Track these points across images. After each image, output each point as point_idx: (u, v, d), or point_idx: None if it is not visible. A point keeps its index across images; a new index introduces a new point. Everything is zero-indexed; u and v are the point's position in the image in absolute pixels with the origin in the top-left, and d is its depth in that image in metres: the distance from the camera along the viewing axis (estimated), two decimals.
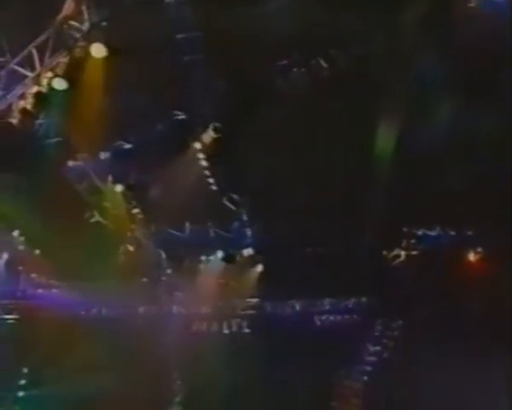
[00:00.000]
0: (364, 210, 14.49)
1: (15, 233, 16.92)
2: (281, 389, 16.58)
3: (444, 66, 11.53)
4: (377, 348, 17.41)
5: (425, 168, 13.33)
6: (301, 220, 15.05)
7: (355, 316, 17.52)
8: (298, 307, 18.18)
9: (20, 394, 18.36)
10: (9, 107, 9.63)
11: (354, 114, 12.12)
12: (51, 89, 9.92)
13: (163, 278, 18.15)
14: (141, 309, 18.50)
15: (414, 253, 16.21)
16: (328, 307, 18.12)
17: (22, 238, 17.03)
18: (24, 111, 9.44)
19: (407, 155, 13.05)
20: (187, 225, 16.48)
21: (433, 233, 15.77)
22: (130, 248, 16.23)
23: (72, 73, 9.99)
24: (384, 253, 16.44)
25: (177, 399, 18.30)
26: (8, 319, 18.52)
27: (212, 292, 18.12)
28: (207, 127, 12.36)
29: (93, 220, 14.92)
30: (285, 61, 11.94)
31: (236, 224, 16.26)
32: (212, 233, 16.57)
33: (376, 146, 13.21)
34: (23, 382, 18.45)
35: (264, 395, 16.43)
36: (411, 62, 11.59)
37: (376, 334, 17.49)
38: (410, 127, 12.60)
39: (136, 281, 17.67)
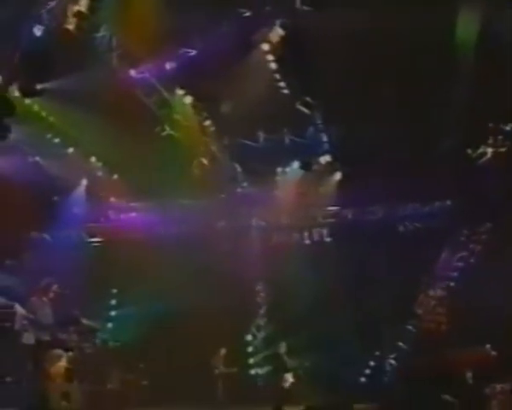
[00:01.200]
0: (447, 107, 13.54)
1: (92, 159, 17.19)
2: (363, 298, 16.25)
3: None
4: (464, 253, 16.67)
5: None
6: (380, 123, 14.18)
7: (439, 221, 16.65)
8: (380, 214, 17.58)
9: (112, 313, 19.08)
10: (64, 12, 9.23)
11: (435, 5, 10.96)
12: None
13: (240, 192, 17.98)
14: (220, 224, 18.50)
15: (501, 150, 15.12)
16: (411, 213, 17.48)
17: (100, 164, 17.34)
18: (79, 14, 9.02)
19: (492, 45, 11.88)
20: (260, 134, 16.00)
21: None
22: (205, 161, 15.93)
23: None
24: (469, 151, 15.40)
25: (262, 311, 18.41)
26: (92, 243, 19.05)
27: (290, 203, 17.85)
28: (274, 24, 11.55)
29: (164, 134, 14.64)
30: None
31: (311, 129, 15.61)
32: (287, 141, 16.00)
33: (459, 38, 12.12)
34: (113, 302, 19.20)
35: (347, 305, 16.17)
36: None
37: (462, 239, 16.70)
38: (494, 15, 11.35)
39: (212, 196, 17.53)
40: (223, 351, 15.58)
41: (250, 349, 18.12)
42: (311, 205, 18.00)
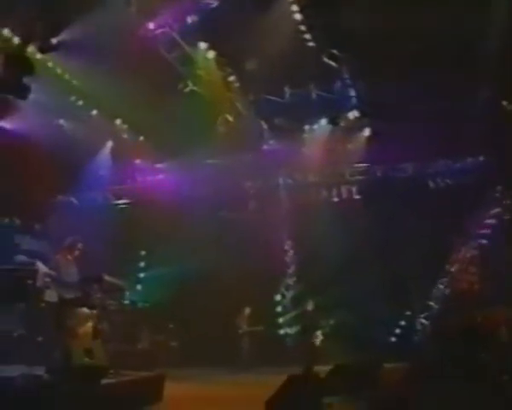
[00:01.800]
0: (481, 59, 12.91)
1: (117, 121, 17.03)
2: (393, 257, 15.86)
3: None
4: (497, 210, 16.14)
5: None
6: (410, 77, 13.61)
7: (472, 177, 16.15)
8: (410, 171, 17.13)
9: (141, 274, 19.19)
10: None
11: None
12: None
13: (266, 149, 17.64)
14: (246, 183, 18.24)
15: None
16: (442, 169, 17.00)
17: (125, 126, 17.19)
18: None
19: None
20: (286, 89, 15.59)
21: None
22: (230, 118, 15.60)
23: None
24: (504, 104, 14.73)
25: (290, 270, 18.19)
26: (119, 205, 18.99)
27: (318, 160, 17.46)
28: None
29: (187, 90, 14.30)
30: None
31: (339, 84, 15.13)
32: (313, 96, 15.57)
33: None
34: (142, 264, 19.27)
35: (376, 263, 15.81)
36: None
37: (496, 195, 16.18)
38: None
39: (238, 154, 17.24)
40: (247, 310, 15.48)
41: (279, 309, 18.00)
42: (340, 162, 17.62)
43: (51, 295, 8.50)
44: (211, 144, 16.09)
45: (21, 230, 15.55)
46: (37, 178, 15.23)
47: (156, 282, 17.90)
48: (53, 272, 8.47)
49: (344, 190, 17.73)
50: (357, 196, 17.59)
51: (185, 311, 16.63)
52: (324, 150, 17.22)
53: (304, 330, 14.66)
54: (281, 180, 18.23)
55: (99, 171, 17.61)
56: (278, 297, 18.08)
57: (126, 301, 15.59)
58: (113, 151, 17.65)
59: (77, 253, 8.70)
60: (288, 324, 17.70)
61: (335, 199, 17.74)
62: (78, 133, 16.29)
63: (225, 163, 17.58)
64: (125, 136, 17.52)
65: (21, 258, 9.24)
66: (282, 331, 17.74)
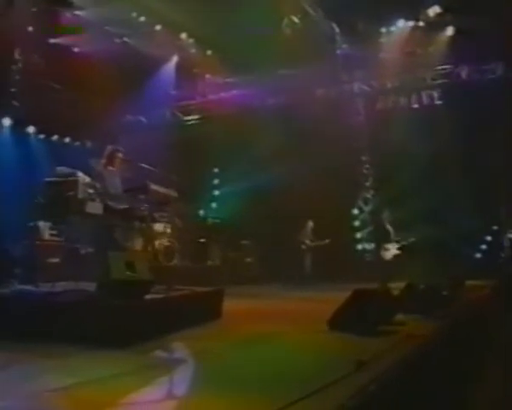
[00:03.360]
0: None
1: (183, 35, 16.36)
2: (478, 167, 14.58)
3: None
4: None
5: None
6: None
7: None
8: (498, 72, 15.48)
9: (216, 192, 18.99)
10: None
11: None
12: None
13: (339, 54, 16.51)
14: (319, 92, 17.27)
15: None
16: None
17: (191, 40, 16.66)
18: None
19: None
20: None
21: None
22: (295, 19, 14.52)
23: None
24: None
25: (368, 183, 17.48)
26: (188, 121, 18.53)
27: (396, 64, 16.24)
28: None
29: None
30: None
31: None
32: None
33: None
34: (216, 181, 19.07)
35: (459, 174, 14.66)
36: None
37: None
38: None
39: (309, 61, 16.17)
40: (310, 224, 15.05)
41: (356, 224, 17.38)
42: (420, 65, 16.26)
43: (95, 207, 8.12)
44: (280, 52, 15.14)
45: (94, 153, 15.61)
46: (104, 99, 15.00)
47: (230, 198, 17.76)
48: (97, 183, 8.08)
49: (425, 95, 16.36)
50: (439, 102, 16.17)
51: (259, 226, 16.31)
52: (403, 53, 16.03)
53: (380, 244, 13.89)
54: (356, 87, 17.15)
55: (167, 88, 17.20)
56: (356, 211, 17.44)
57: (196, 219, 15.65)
58: (180, 67, 17.12)
59: (118, 162, 8.20)
60: (366, 239, 17.14)
61: (415, 106, 16.42)
62: (143, 50, 15.89)
63: (296, 72, 16.55)
64: (193, 50, 16.96)
65: (62, 169, 8.76)
66: (359, 247, 17.21)
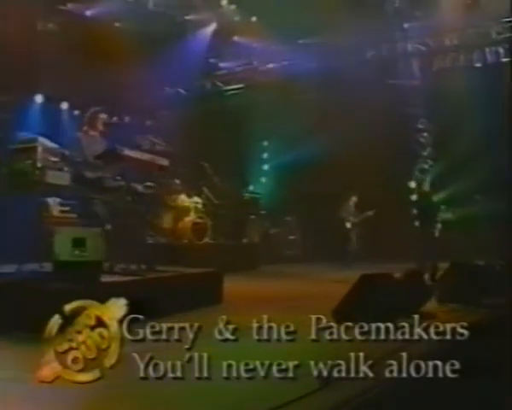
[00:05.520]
0: None
1: (224, 2, 15.82)
2: None
3: None
4: None
5: None
6: None
7: None
8: None
9: (265, 167, 18.15)
10: None
11: None
12: None
13: (390, 12, 15.02)
14: (369, 54, 15.81)
15: None
16: None
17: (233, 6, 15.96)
18: None
19: None
20: None
21: None
22: None
23: None
24: None
25: (426, 152, 16.01)
26: (228, 90, 17.57)
27: (456, 18, 14.50)
28: None
29: None
30: None
31: None
32: None
33: None
34: (265, 155, 18.18)
35: None
36: None
37: None
38: None
39: (356, 22, 14.69)
40: (353, 199, 13.80)
41: (414, 198, 15.89)
42: (483, 18, 14.40)
43: (59, 177, 7.22)
44: (327, 12, 13.76)
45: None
46: (137, 70, 14.23)
47: (279, 172, 16.82)
48: (70, 150, 7.15)
49: (489, 52, 14.59)
50: (506, 59, 14.29)
51: (303, 202, 15.23)
52: (463, 6, 14.29)
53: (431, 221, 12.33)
54: (410, 47, 15.48)
55: (205, 57, 16.35)
56: (412, 185, 15.93)
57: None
58: (219, 34, 16.18)
59: (101, 127, 7.25)
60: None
61: (478, 64, 14.71)
62: (177, 18, 15.11)
63: (343, 36, 15.14)
64: (236, 18, 16.08)
65: (23, 135, 7.96)
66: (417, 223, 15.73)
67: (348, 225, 13.78)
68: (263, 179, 17.69)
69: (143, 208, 6.70)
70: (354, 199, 13.98)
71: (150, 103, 15.43)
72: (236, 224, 13.69)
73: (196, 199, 12.48)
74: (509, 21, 14.21)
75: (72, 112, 14.91)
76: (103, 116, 7.27)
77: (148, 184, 7.03)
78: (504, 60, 14.39)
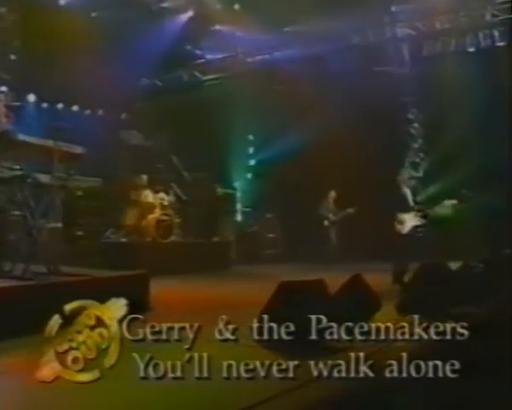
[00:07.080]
0: None
1: None
2: None
3: None
4: None
5: None
6: None
7: None
8: None
9: (251, 162, 17.49)
10: None
11: None
12: None
13: None
14: (355, 40, 15.00)
15: None
16: None
17: None
18: None
19: None
20: None
21: None
22: None
23: None
24: None
25: (416, 145, 15.18)
26: (208, 80, 16.76)
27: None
28: None
29: None
30: None
31: None
32: None
33: None
34: (245, 149, 17.46)
35: None
36: None
37: None
38: None
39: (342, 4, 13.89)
40: (332, 194, 12.96)
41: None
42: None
43: None
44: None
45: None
46: (115, 65, 13.48)
47: (266, 166, 16.05)
48: None
49: (482, 36, 13.70)
50: (502, 43, 13.48)
51: (284, 198, 14.48)
52: None
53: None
54: (399, 31, 14.65)
55: (183, 46, 15.74)
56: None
57: None
58: (198, 22, 15.43)
59: (3, 110, 6.31)
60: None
61: (471, 49, 13.87)
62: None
63: (328, 23, 14.30)
64: (217, 6, 15.46)
65: None
66: None
67: (326, 222, 12.88)
68: (242, 174, 16.91)
69: (36, 201, 5.76)
70: (333, 195, 13.11)
71: (122, 95, 14.63)
72: (207, 221, 12.97)
73: (162, 195, 11.73)
74: (505, 2, 13.32)
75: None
76: (2, 97, 6.36)
77: (59, 175, 6.08)
78: (500, 44, 13.57)
